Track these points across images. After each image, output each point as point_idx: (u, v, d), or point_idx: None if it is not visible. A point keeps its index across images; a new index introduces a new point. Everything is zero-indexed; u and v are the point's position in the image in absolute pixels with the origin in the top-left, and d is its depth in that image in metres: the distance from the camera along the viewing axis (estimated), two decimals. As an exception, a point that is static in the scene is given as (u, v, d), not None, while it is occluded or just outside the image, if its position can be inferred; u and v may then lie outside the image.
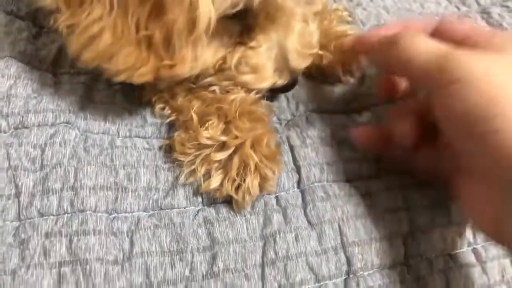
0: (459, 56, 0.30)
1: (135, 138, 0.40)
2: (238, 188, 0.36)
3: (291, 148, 0.42)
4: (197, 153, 0.38)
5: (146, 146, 0.40)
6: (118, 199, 0.36)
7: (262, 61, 0.39)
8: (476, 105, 0.28)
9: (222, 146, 0.38)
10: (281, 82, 0.41)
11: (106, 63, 0.34)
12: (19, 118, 0.38)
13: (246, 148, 0.37)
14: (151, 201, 0.37)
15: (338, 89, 0.47)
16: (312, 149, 0.41)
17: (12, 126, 0.38)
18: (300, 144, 0.42)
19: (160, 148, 0.40)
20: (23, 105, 0.39)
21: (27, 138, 0.37)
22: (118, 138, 0.40)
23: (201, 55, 0.36)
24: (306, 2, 0.40)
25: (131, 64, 0.34)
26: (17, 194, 0.34)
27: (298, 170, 0.40)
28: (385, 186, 0.40)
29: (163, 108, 0.42)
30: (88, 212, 0.35)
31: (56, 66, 0.43)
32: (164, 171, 0.38)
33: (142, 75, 0.35)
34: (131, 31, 0.33)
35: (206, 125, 0.38)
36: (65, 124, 0.39)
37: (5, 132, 0.38)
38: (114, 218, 0.35)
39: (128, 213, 0.36)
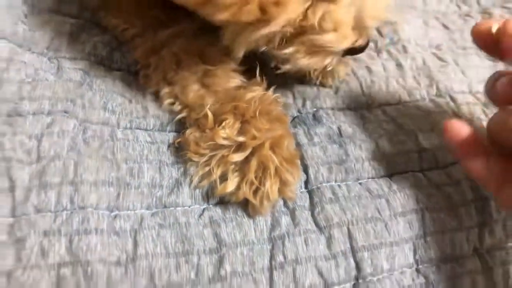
0: None
1: (136, 130, 0.38)
2: (256, 192, 0.35)
3: (299, 147, 0.40)
4: (213, 153, 0.36)
5: (149, 139, 0.38)
6: (120, 196, 0.34)
7: (345, 17, 0.36)
8: None
9: (239, 147, 0.35)
10: (360, 42, 0.38)
11: None
12: (12, 105, 0.35)
13: (265, 149, 0.35)
14: (154, 199, 0.35)
15: (345, 85, 0.46)
16: (320, 148, 0.40)
17: (4, 113, 0.35)
18: (308, 142, 0.40)
19: (163, 142, 0.38)
20: (17, 91, 0.36)
21: (21, 127, 0.34)
22: (118, 129, 0.38)
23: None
24: None
25: None
26: (12, 188, 0.32)
27: (305, 169, 0.39)
28: (397, 187, 0.39)
29: (172, 103, 0.40)
30: (89, 209, 0.32)
31: (52, 50, 0.40)
32: (168, 167, 0.36)
33: (249, 11, 0.31)
34: None
35: (223, 124, 0.36)
36: (63, 113, 0.36)
37: (-4, 120, 0.35)
38: (116, 216, 0.33)
39: (131, 211, 0.34)
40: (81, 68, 0.40)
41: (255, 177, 0.35)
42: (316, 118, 0.43)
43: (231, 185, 0.35)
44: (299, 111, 0.43)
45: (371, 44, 0.50)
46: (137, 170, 0.35)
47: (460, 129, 0.34)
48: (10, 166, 0.32)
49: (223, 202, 0.36)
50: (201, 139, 0.36)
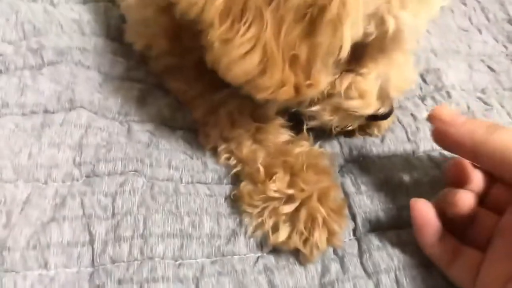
0: None
1: (197, 184, 0.42)
2: (306, 241, 0.38)
3: (346, 196, 0.43)
4: (265, 205, 0.39)
5: (208, 192, 0.42)
6: (184, 246, 0.38)
7: (370, 88, 0.40)
8: None
9: (289, 199, 0.39)
10: (383, 110, 0.41)
11: (253, 79, 0.35)
12: (91, 167, 0.41)
13: (313, 201, 0.38)
14: (214, 248, 0.38)
15: (391, 134, 0.48)
16: (367, 196, 0.43)
17: (84, 175, 0.40)
18: (355, 191, 0.43)
19: (220, 194, 0.42)
20: (94, 154, 0.41)
21: (99, 187, 0.39)
22: (181, 184, 0.42)
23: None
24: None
25: (276, 81, 0.35)
26: (91, 241, 0.37)
27: (354, 218, 0.42)
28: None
29: (228, 158, 0.44)
30: (156, 259, 0.37)
31: (123, 115, 0.46)
32: (225, 218, 0.40)
33: (285, 92, 0.36)
34: (280, 50, 0.34)
35: (273, 177, 0.39)
36: (133, 172, 0.41)
37: (77, 181, 0.40)
38: (180, 264, 0.37)
39: (193, 259, 0.38)
40: (148, 130, 0.45)
41: (305, 227, 0.38)
42: (363, 167, 0.45)
43: (282, 235, 0.38)
44: (346, 160, 0.46)
45: (416, 92, 0.53)
46: (198, 222, 0.39)
47: (422, 209, 0.38)
48: (89, 222, 0.37)
49: (276, 250, 0.39)
50: (254, 191, 0.40)
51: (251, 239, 0.39)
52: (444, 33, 0.63)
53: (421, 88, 0.53)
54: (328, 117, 0.41)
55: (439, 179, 0.44)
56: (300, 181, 0.39)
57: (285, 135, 0.44)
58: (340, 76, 0.39)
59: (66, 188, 0.39)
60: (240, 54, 0.34)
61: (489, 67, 0.58)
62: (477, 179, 0.38)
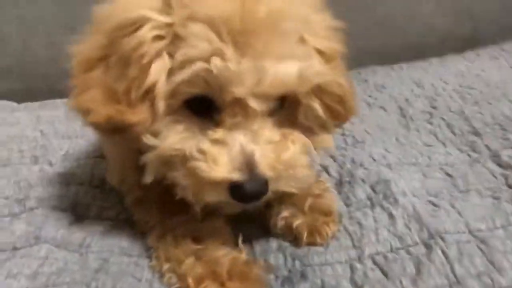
0: None
1: (142, 303, 0.44)
2: None
3: (283, 303, 0.43)
4: None
5: (151, 309, 0.44)
6: None
7: (215, 152, 0.41)
8: None
9: None
10: (237, 177, 0.40)
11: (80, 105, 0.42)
12: (41, 292, 0.45)
13: None
14: None
15: (336, 242, 0.49)
16: (303, 301, 0.43)
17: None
18: (292, 298, 0.43)
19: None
20: (45, 281, 0.45)
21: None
22: (125, 306, 0.44)
23: (162, 129, 0.42)
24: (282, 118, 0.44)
25: (92, 106, 0.41)
26: None
27: (288, 322, 0.41)
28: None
29: (170, 277, 0.46)
30: None
31: (84, 247, 0.51)
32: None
33: (96, 114, 0.41)
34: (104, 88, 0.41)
35: None
36: (79, 295, 0.44)
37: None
38: None
39: None
40: (103, 257, 0.49)
41: None
42: (304, 275, 0.46)
43: None
44: (289, 271, 0.47)
45: (367, 202, 0.54)
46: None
47: None
48: None
49: None
50: None
51: None
52: (405, 150, 0.66)
53: (370, 199, 0.55)
54: (183, 181, 0.42)
55: (377, 280, 0.43)
56: None
57: (223, 251, 0.46)
58: (190, 136, 0.42)
59: (16, 312, 0.43)
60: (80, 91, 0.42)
61: (447, 173, 0.59)
62: None
